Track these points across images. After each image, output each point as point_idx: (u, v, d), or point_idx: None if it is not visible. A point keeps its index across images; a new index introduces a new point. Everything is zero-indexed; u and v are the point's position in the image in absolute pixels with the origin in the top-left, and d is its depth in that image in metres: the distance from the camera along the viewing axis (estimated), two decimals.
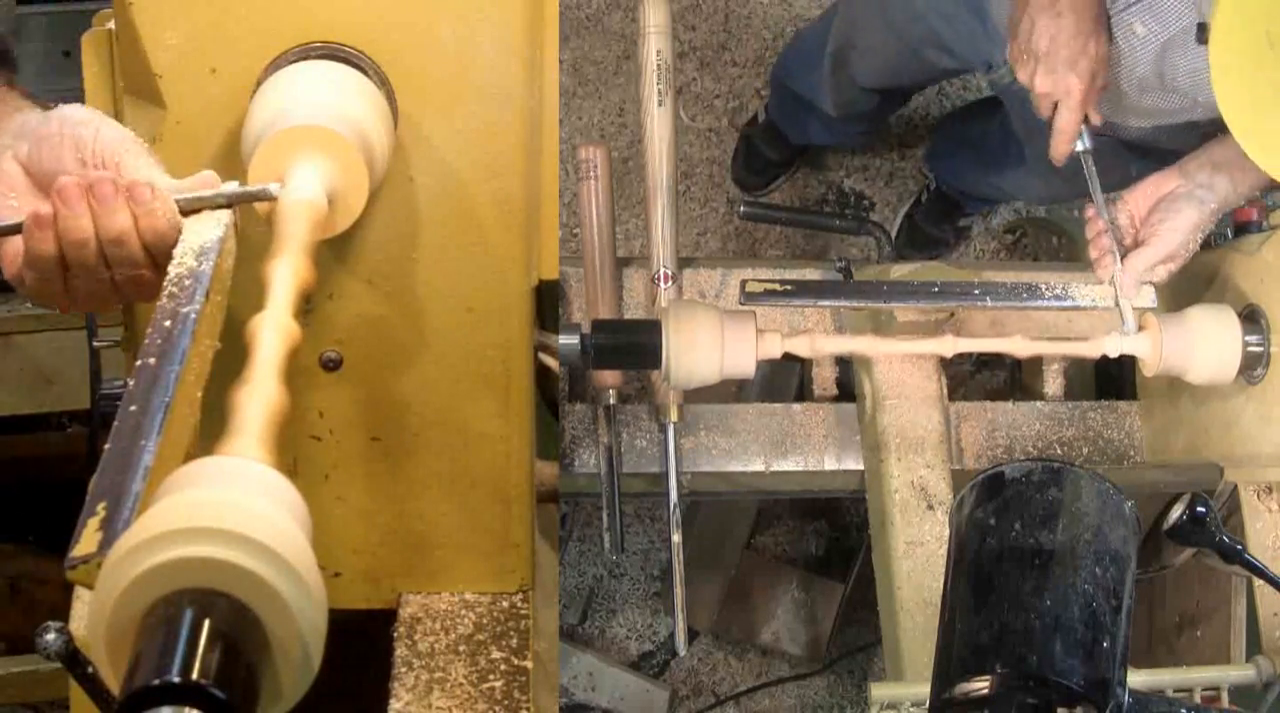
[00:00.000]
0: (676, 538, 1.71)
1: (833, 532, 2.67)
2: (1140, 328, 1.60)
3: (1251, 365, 1.62)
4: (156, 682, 0.63)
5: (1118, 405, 1.91)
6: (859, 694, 2.59)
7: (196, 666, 0.64)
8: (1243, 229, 1.70)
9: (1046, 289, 1.60)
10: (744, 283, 1.59)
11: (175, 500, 0.70)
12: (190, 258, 0.90)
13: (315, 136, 0.94)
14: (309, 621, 0.70)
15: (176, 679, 0.63)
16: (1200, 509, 1.45)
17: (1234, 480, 1.74)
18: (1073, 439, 1.88)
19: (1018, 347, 1.61)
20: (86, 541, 0.73)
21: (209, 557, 0.67)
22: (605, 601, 2.64)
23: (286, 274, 0.88)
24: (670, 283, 1.72)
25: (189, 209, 0.94)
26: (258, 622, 0.68)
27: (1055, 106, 1.58)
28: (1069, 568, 1.01)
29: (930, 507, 1.70)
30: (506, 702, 1.13)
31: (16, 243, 0.94)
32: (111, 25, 1.07)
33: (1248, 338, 1.61)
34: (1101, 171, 1.61)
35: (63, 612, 1.11)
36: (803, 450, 1.83)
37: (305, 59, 1.00)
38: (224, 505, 0.70)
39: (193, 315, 0.86)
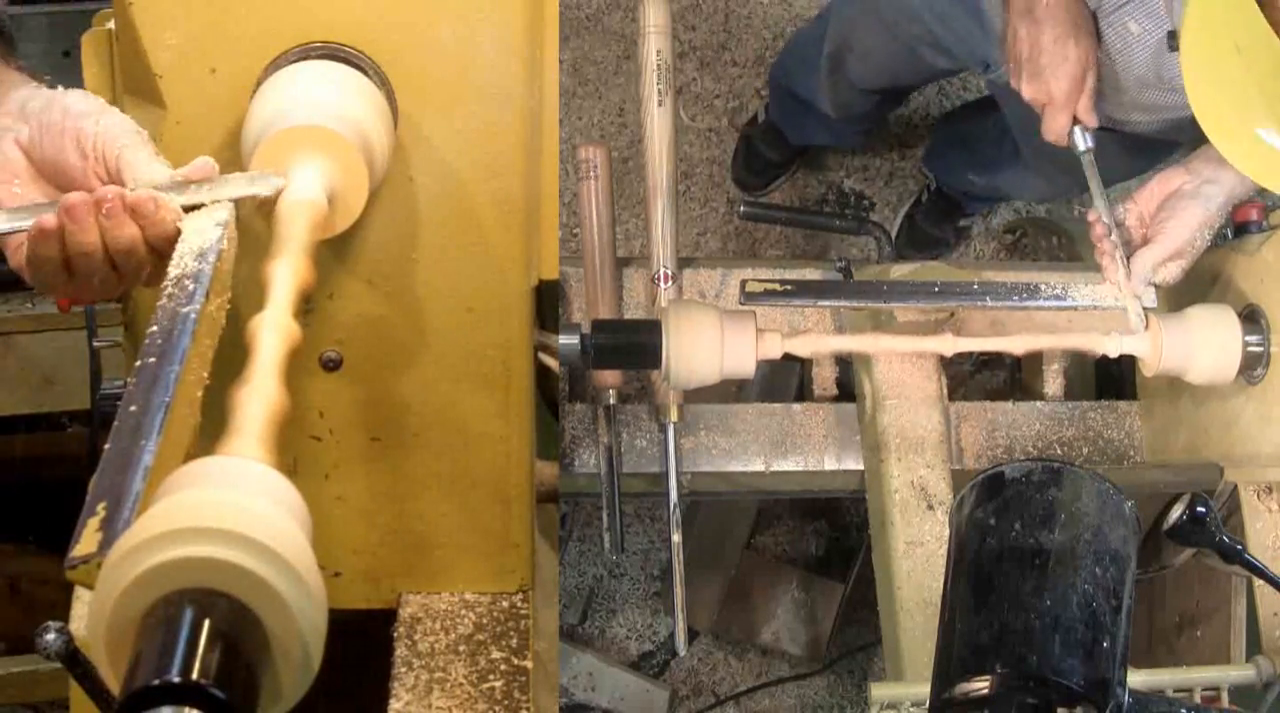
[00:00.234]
0: (676, 538, 1.71)
1: (833, 532, 2.67)
2: (1145, 326, 1.60)
3: (1251, 365, 1.62)
4: (156, 682, 0.63)
5: (1118, 405, 1.91)
6: (859, 694, 2.59)
7: (196, 666, 0.64)
8: (1243, 229, 1.69)
9: (1046, 289, 1.60)
10: (744, 283, 1.59)
11: (175, 500, 0.70)
12: (190, 258, 0.90)
13: (315, 136, 0.94)
14: (309, 621, 0.70)
15: (176, 679, 0.63)
16: (1200, 509, 1.45)
17: (1234, 480, 1.74)
18: (1073, 439, 1.88)
19: (1018, 345, 1.61)
20: (86, 541, 0.73)
21: (209, 557, 0.67)
22: (605, 601, 2.64)
23: (286, 274, 0.88)
24: (670, 283, 1.72)
25: (191, 206, 0.94)
26: (258, 622, 0.68)
27: (1044, 109, 1.59)
28: (1069, 568, 1.01)
29: (930, 507, 1.70)
30: (506, 702, 1.13)
31: (21, 234, 0.95)
32: (111, 25, 1.07)
33: (1248, 338, 1.61)
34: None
35: (63, 612, 1.11)
36: (803, 450, 1.83)
37: (305, 59, 1.00)
38: (224, 505, 0.70)
39: (193, 315, 0.85)
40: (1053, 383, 1.91)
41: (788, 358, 1.59)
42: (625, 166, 2.65)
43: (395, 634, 1.19)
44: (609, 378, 1.75)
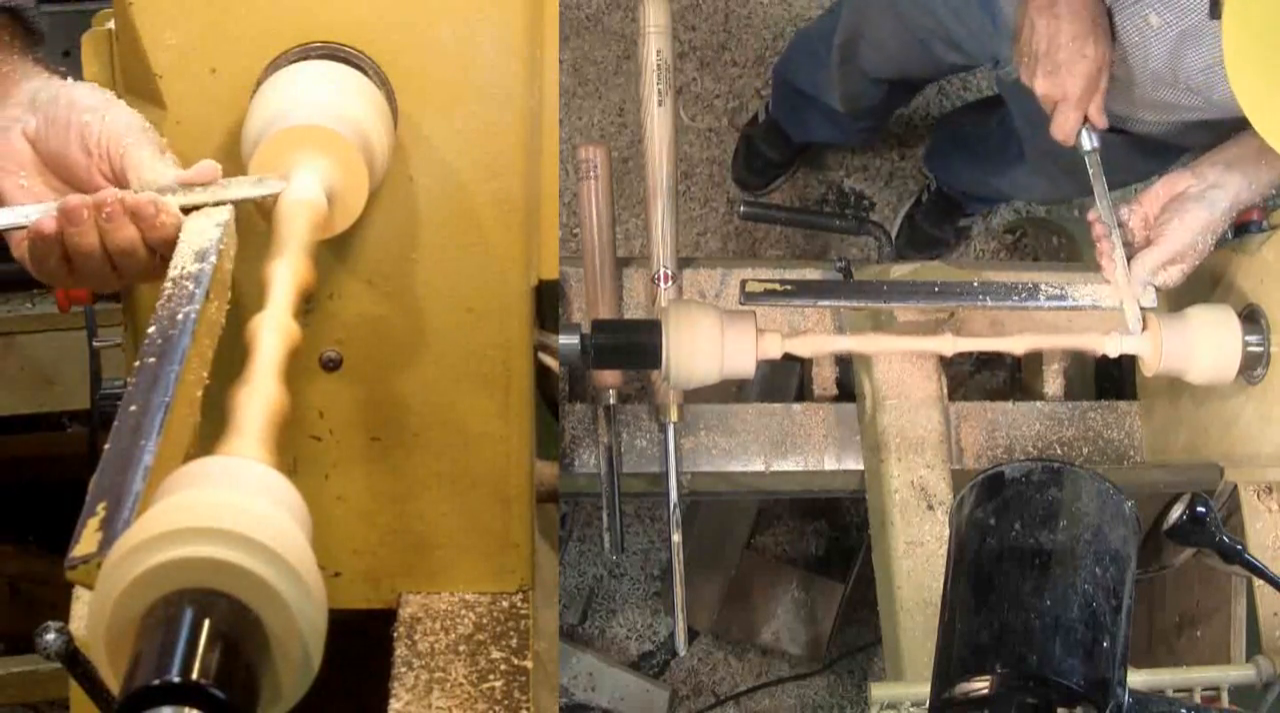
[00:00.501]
0: (676, 538, 1.71)
1: (833, 532, 2.67)
2: (1141, 328, 1.60)
3: (1251, 365, 1.62)
4: (156, 682, 0.63)
5: (1118, 405, 1.91)
6: (859, 694, 2.59)
7: (196, 666, 0.64)
8: (1243, 229, 1.69)
9: (1046, 289, 1.60)
10: (744, 283, 1.59)
11: (175, 501, 0.70)
12: (190, 259, 0.90)
13: (315, 136, 0.94)
14: (309, 621, 0.70)
15: (176, 679, 0.63)
16: (1200, 509, 1.45)
17: (1234, 480, 1.74)
18: (1073, 439, 1.87)
19: (1018, 345, 1.61)
20: (86, 541, 0.73)
21: (209, 557, 0.67)
22: (605, 601, 2.64)
23: (286, 274, 0.88)
24: (670, 283, 1.72)
25: (191, 207, 0.94)
26: (258, 622, 0.68)
27: (1055, 106, 1.59)
28: (1069, 568, 1.01)
29: (930, 507, 1.70)
30: (506, 702, 1.13)
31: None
32: (111, 25, 1.07)
33: (1248, 338, 1.61)
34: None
35: (63, 612, 1.11)
36: (803, 450, 1.83)
37: (305, 59, 1.00)
38: (224, 506, 0.70)
39: (193, 315, 0.85)
40: (1053, 383, 1.91)
41: (788, 358, 1.59)
42: (625, 166, 2.65)
43: (395, 634, 1.19)
44: (609, 378, 1.75)
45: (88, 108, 0.97)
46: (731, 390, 2.06)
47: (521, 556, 1.23)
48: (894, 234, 2.73)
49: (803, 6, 2.81)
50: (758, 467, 1.82)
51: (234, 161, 0.98)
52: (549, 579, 1.33)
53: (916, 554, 1.67)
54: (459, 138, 1.05)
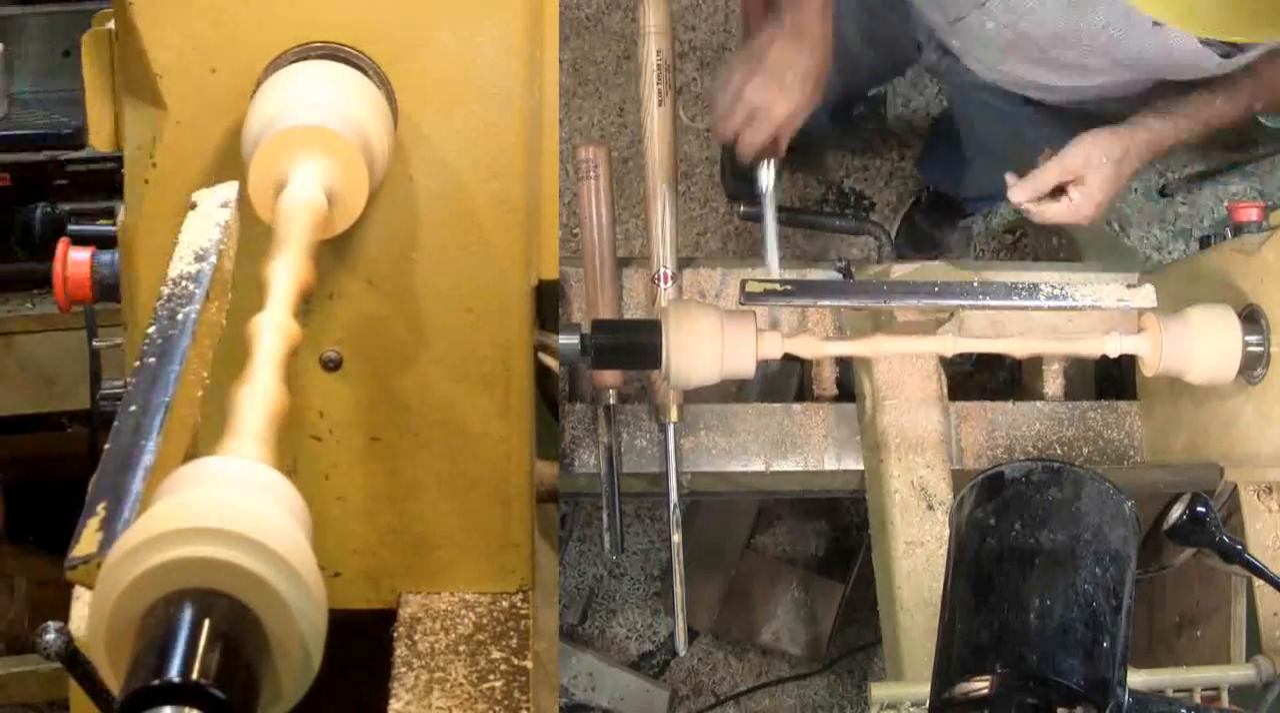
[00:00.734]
0: (676, 538, 1.71)
1: (833, 532, 2.67)
2: (1140, 328, 1.60)
3: (1251, 365, 1.62)
4: (156, 682, 0.63)
5: (1118, 405, 1.91)
6: (859, 694, 2.59)
7: (196, 666, 0.64)
8: (1243, 229, 1.70)
9: (1046, 289, 1.60)
10: (744, 283, 1.59)
11: (175, 500, 0.70)
12: (190, 259, 0.90)
13: (315, 137, 0.94)
14: (309, 621, 0.70)
15: (176, 679, 0.63)
16: (1200, 509, 1.45)
17: (1234, 480, 1.74)
18: (1073, 439, 1.88)
19: (1018, 347, 1.61)
20: (86, 541, 0.72)
21: (209, 557, 0.67)
22: (605, 601, 2.64)
23: (286, 274, 0.88)
24: (670, 283, 1.72)
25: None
26: (258, 622, 0.68)
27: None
28: (1069, 568, 1.01)
29: (930, 507, 1.70)
30: (506, 702, 1.13)
31: None
32: (111, 25, 1.07)
33: (1248, 338, 1.61)
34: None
35: (63, 612, 1.11)
36: (803, 450, 1.83)
37: (305, 59, 1.00)
38: (224, 506, 0.70)
39: (193, 315, 0.85)
40: (1053, 383, 1.91)
41: (788, 358, 1.59)
42: (625, 167, 2.65)
43: (395, 634, 1.19)
44: (609, 378, 1.75)
45: None
46: (731, 390, 2.06)
47: (521, 556, 1.23)
48: (894, 234, 2.73)
49: None
50: (758, 467, 1.82)
51: (234, 162, 0.98)
52: (549, 579, 1.33)
53: (916, 554, 1.67)
54: (459, 138, 1.05)
